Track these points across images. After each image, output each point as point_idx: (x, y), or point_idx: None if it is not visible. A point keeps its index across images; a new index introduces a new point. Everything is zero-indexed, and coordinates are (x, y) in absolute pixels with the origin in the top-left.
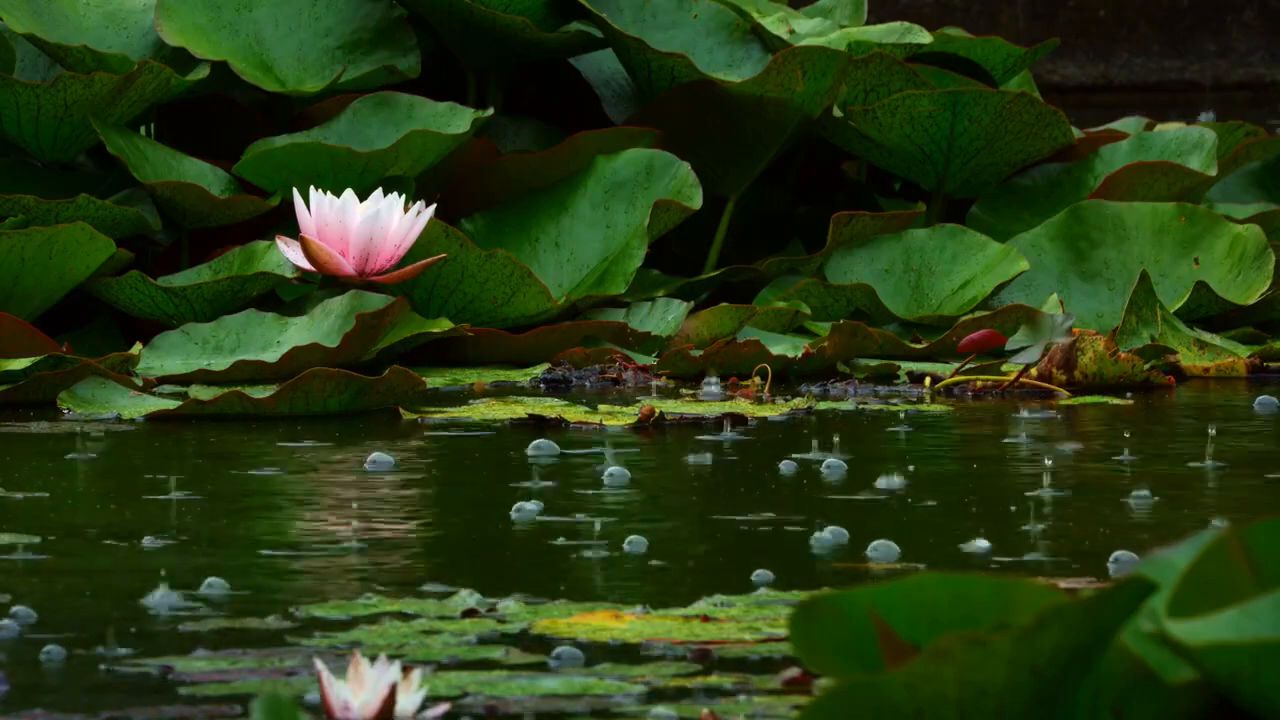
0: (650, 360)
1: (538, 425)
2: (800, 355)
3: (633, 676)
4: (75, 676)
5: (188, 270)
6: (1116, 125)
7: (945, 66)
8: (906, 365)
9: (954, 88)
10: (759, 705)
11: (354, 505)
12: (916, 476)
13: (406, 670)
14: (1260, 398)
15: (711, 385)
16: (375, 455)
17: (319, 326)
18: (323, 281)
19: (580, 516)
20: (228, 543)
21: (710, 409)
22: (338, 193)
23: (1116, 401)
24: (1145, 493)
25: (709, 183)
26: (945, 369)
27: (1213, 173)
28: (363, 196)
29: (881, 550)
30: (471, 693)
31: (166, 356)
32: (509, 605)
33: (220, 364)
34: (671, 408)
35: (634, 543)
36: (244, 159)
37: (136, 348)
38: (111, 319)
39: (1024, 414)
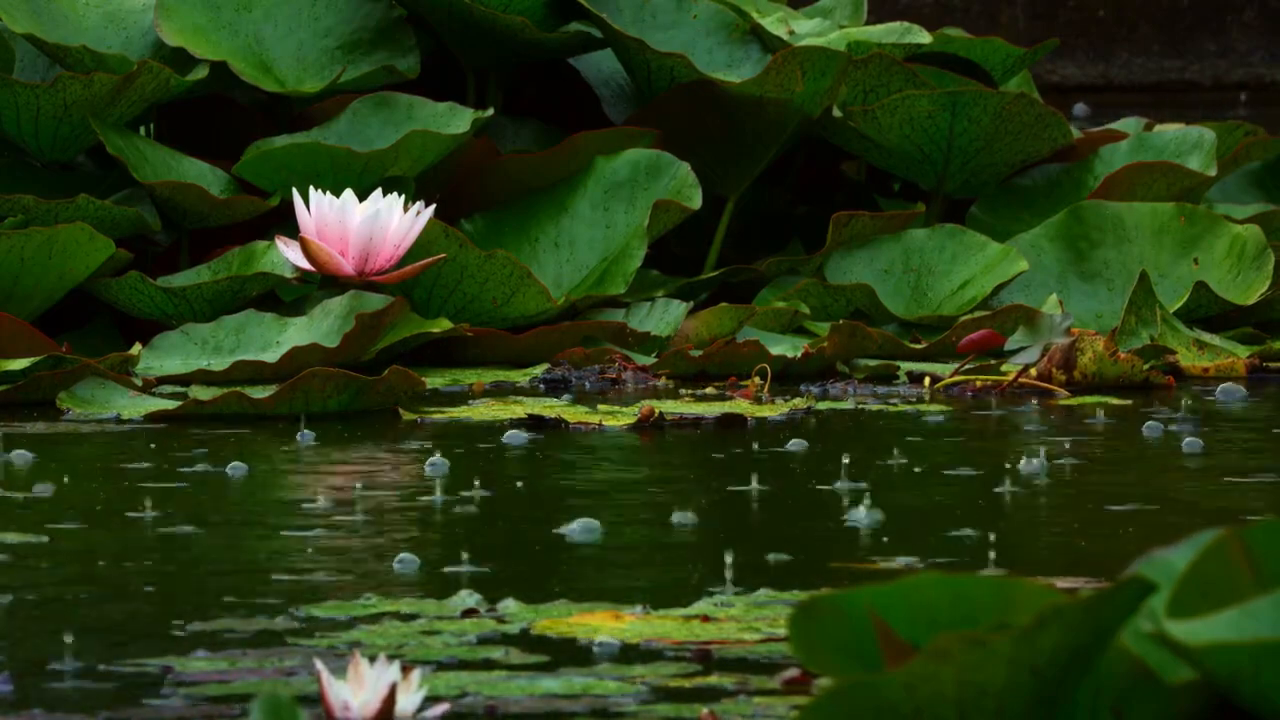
0: (650, 360)
1: (537, 425)
2: (800, 355)
3: (633, 676)
4: (75, 676)
5: (187, 270)
6: (1116, 125)
7: (945, 67)
8: (906, 365)
9: (953, 88)
10: (759, 705)
11: (353, 505)
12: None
13: (406, 670)
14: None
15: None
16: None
17: (318, 327)
18: (322, 281)
19: (581, 515)
20: (227, 542)
21: (710, 409)
22: (337, 193)
23: (1116, 402)
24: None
25: (709, 183)
26: (945, 369)
27: (1212, 173)
28: (362, 196)
29: (579, 528)
30: (471, 693)
31: (166, 357)
32: (509, 605)
33: (220, 364)
34: (671, 408)
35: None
36: (244, 159)
37: (136, 348)
38: (111, 319)
39: (1020, 414)
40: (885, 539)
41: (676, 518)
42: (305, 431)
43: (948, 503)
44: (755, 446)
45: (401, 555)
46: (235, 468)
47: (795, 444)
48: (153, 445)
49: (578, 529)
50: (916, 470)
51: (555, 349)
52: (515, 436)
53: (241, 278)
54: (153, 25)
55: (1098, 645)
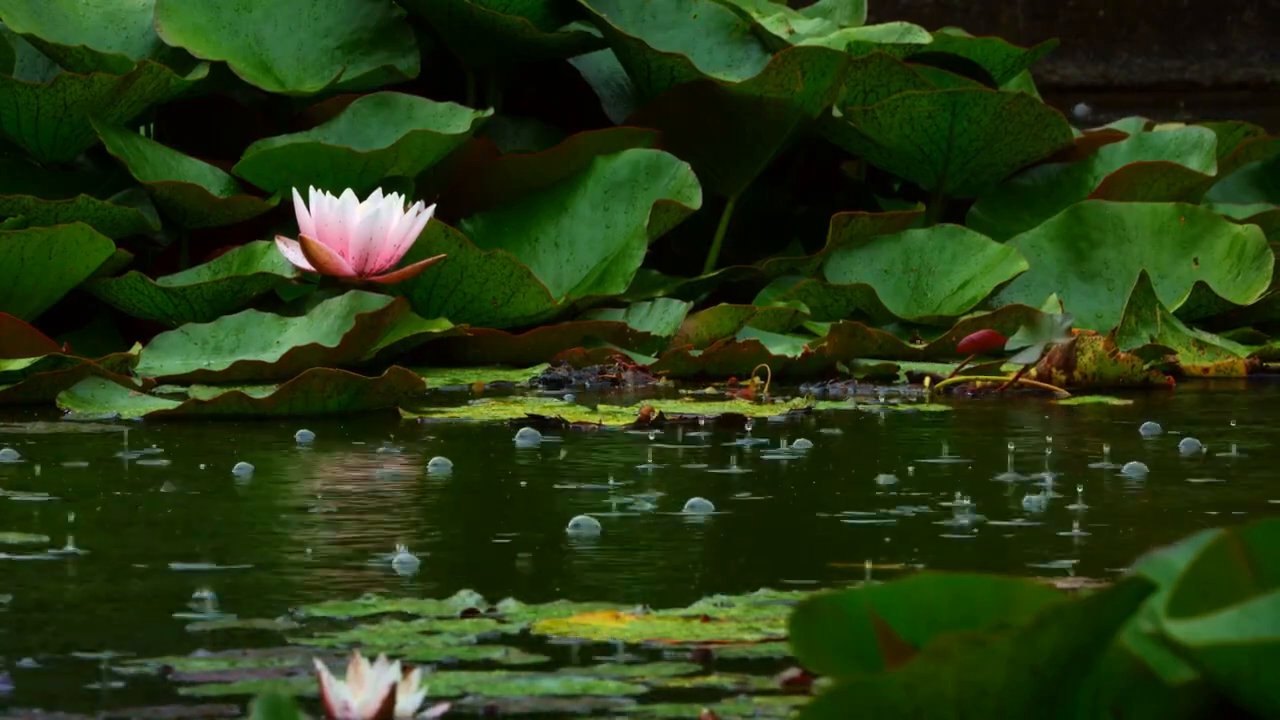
0: (650, 360)
1: (537, 426)
2: (800, 355)
3: (633, 676)
4: (75, 676)
5: (187, 270)
6: (1116, 125)
7: (945, 67)
8: (906, 365)
9: (953, 88)
10: (759, 705)
11: (353, 505)
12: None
13: (406, 670)
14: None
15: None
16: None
17: (318, 327)
18: (322, 281)
19: (581, 515)
20: (227, 542)
21: (710, 409)
22: (337, 193)
23: (1116, 402)
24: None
25: (709, 183)
26: (945, 369)
27: (1212, 173)
28: (362, 196)
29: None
30: (471, 693)
31: (166, 357)
32: (509, 605)
33: (220, 364)
34: (671, 408)
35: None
36: (244, 159)
37: (136, 348)
38: (111, 319)
39: (1020, 414)
40: (886, 539)
41: (692, 505)
42: (304, 431)
43: (947, 502)
44: (755, 446)
45: (401, 555)
46: (242, 468)
47: (800, 444)
48: (154, 446)
49: (579, 527)
50: (916, 470)
51: (555, 349)
52: (528, 436)
53: (241, 278)
54: (153, 25)
55: (1098, 645)
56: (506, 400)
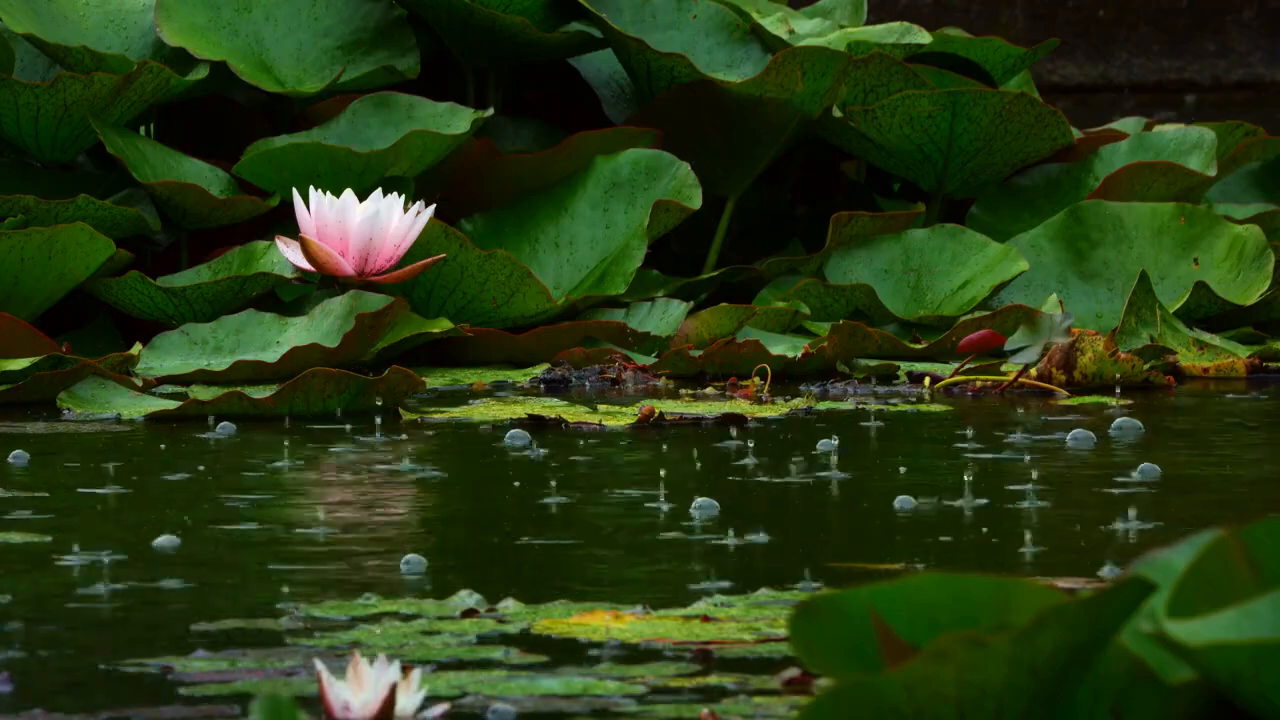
0: (650, 360)
1: (537, 426)
2: (800, 355)
3: (633, 676)
4: (75, 676)
5: (187, 270)
6: (1116, 125)
7: (945, 67)
8: (906, 365)
9: (953, 88)
10: (759, 705)
11: (353, 505)
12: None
13: (406, 670)
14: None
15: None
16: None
17: (318, 326)
18: (322, 281)
19: (580, 515)
20: (227, 543)
21: (710, 409)
22: (337, 193)
23: (1115, 402)
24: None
25: (709, 183)
26: (945, 369)
27: (1212, 173)
28: (362, 197)
29: (704, 508)
30: (471, 693)
31: (166, 357)
32: (509, 605)
33: (220, 364)
34: (671, 408)
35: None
36: (243, 159)
37: (136, 348)
38: (111, 319)
39: (1019, 414)
40: (887, 539)
41: (699, 505)
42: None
43: (948, 502)
44: (755, 446)
45: (408, 556)
46: (253, 469)
47: (824, 444)
48: (162, 445)
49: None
50: (916, 470)
51: (555, 349)
52: (517, 436)
53: (241, 278)
54: (153, 25)
55: (1097, 645)
56: (507, 400)
